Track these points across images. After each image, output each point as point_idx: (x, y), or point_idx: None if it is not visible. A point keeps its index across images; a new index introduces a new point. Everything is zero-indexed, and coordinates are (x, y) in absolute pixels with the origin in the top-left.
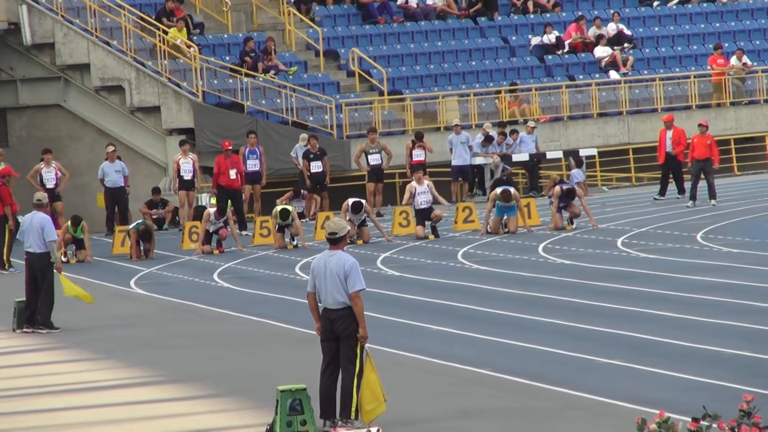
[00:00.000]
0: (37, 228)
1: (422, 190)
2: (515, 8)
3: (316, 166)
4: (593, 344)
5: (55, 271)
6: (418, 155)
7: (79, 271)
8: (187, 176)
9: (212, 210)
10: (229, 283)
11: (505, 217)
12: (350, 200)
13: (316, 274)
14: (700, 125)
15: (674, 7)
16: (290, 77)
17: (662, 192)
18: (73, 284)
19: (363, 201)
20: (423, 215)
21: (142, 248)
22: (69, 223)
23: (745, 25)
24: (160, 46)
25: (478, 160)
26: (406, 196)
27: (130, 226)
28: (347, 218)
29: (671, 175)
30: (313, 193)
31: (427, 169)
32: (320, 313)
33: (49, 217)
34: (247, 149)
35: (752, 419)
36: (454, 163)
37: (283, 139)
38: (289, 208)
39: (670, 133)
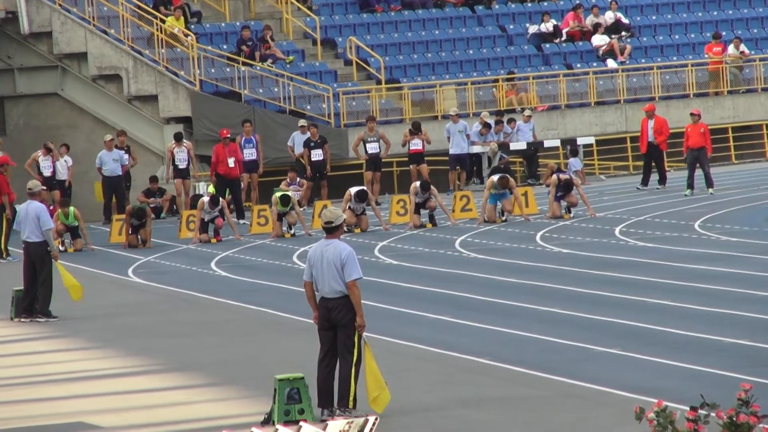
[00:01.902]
0: (33, 217)
1: (425, 198)
2: None
3: (316, 155)
4: (591, 333)
5: (52, 259)
6: (416, 144)
7: (76, 260)
8: (182, 165)
9: (206, 199)
10: (226, 271)
11: (499, 205)
12: (353, 189)
13: (313, 264)
14: (692, 114)
15: None
16: (288, 66)
17: (645, 182)
18: (70, 275)
19: (366, 189)
20: (421, 206)
21: (139, 238)
22: (59, 210)
23: (743, 14)
24: (157, 35)
25: (476, 149)
26: (412, 198)
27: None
28: (349, 207)
29: (654, 165)
30: (314, 182)
31: (426, 158)
32: (317, 302)
33: (43, 205)
34: (243, 138)
35: (750, 408)
36: (451, 151)
37: (280, 127)
38: (290, 193)
39: (652, 123)
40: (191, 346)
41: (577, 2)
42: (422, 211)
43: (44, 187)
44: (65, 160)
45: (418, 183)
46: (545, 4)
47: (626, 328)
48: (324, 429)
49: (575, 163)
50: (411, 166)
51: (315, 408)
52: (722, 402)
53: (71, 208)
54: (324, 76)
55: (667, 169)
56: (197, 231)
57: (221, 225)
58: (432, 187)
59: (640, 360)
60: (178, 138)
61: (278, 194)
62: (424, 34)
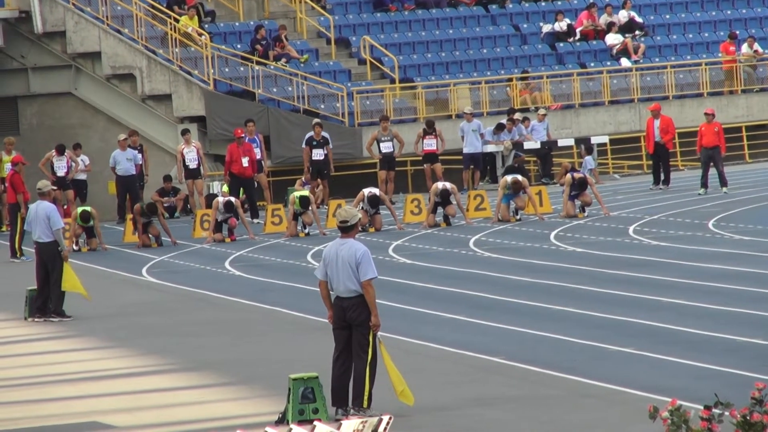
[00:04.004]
0: (43, 217)
1: (445, 197)
2: None
3: (317, 154)
4: (605, 332)
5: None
6: (429, 144)
7: (90, 260)
8: (193, 165)
9: (221, 199)
10: (240, 271)
11: (513, 205)
12: (366, 191)
13: (328, 263)
14: (706, 114)
15: None
16: (302, 65)
17: (656, 181)
18: (75, 277)
19: (378, 193)
20: (440, 205)
21: (151, 237)
22: (79, 218)
23: (757, 13)
24: (171, 34)
25: (490, 148)
26: (432, 198)
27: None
28: (360, 207)
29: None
30: (315, 180)
31: (439, 158)
32: (332, 302)
33: (53, 205)
34: (246, 138)
35: (764, 407)
36: (465, 150)
37: (294, 127)
38: (307, 193)
39: (657, 122)
40: (205, 345)
41: (591, 1)
42: (438, 210)
43: (54, 187)
44: (81, 160)
45: (440, 185)
46: (559, 3)
47: (640, 327)
48: (338, 428)
49: (589, 161)
50: (425, 166)
51: (329, 407)
52: (736, 401)
53: (89, 207)
54: (338, 76)
55: (681, 167)
56: (211, 230)
57: (235, 224)
58: (452, 186)
59: (653, 359)
60: (183, 132)
61: (297, 194)
62: (438, 33)
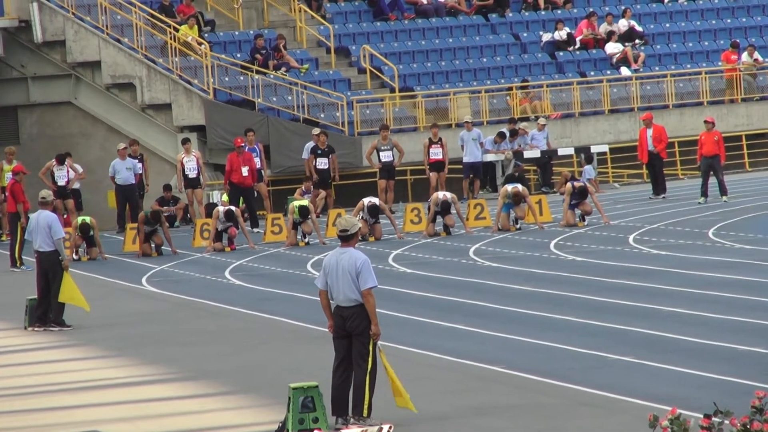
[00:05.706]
0: (44, 227)
1: (445, 207)
2: (526, 5)
3: (322, 163)
4: (605, 341)
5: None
6: (436, 153)
7: (90, 269)
8: (192, 174)
9: (222, 208)
10: (240, 280)
11: (513, 214)
12: (366, 201)
13: (328, 272)
14: (706, 122)
15: (685, 3)
16: (302, 74)
17: (655, 191)
18: (75, 287)
19: (378, 203)
20: (440, 214)
21: (152, 246)
22: (78, 229)
23: (757, 21)
24: (171, 44)
25: (490, 157)
26: (432, 208)
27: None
28: (360, 216)
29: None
30: (318, 189)
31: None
32: (332, 311)
33: (55, 215)
34: (247, 147)
35: (764, 416)
36: (465, 160)
37: (294, 136)
38: (306, 203)
39: (650, 132)
40: (205, 354)
41: (591, 10)
42: (437, 219)
43: (53, 197)
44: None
45: (440, 195)
46: (559, 12)
47: (639, 335)
48: None
49: (589, 171)
50: (431, 174)
51: (329, 416)
52: (736, 410)
53: (88, 218)
54: (338, 85)
55: (681, 176)
56: (211, 240)
57: (235, 234)
58: (452, 196)
59: (653, 368)
60: (184, 141)
61: (296, 204)
62: (438, 42)
